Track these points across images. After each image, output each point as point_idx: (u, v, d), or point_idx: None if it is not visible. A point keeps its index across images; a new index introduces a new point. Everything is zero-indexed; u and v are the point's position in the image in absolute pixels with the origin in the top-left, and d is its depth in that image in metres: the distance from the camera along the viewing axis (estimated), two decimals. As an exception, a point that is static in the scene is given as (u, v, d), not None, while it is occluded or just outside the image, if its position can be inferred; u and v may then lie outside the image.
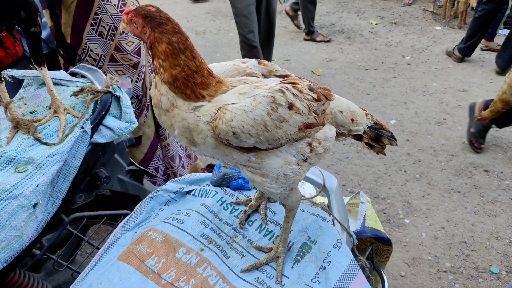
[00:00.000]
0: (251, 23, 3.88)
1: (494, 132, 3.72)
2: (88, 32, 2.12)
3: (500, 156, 3.42)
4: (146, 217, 1.44)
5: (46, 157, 1.41)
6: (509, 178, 3.17)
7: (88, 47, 2.15)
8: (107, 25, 2.10)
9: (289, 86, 1.01)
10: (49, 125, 1.56)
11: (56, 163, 1.42)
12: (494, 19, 4.94)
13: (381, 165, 3.42)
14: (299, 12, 6.08)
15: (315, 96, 1.05)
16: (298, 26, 6.31)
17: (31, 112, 1.64)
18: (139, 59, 2.22)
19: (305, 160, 1.06)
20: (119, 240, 1.36)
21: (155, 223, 1.37)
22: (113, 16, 2.06)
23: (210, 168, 2.87)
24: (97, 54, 2.17)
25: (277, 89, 0.99)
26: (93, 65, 2.16)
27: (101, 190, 1.78)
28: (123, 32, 2.12)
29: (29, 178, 1.36)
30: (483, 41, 5.24)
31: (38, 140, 1.47)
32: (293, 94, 1.00)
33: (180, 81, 0.97)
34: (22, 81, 1.82)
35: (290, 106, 0.99)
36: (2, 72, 1.59)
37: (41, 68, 1.60)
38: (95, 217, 1.73)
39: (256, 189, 1.36)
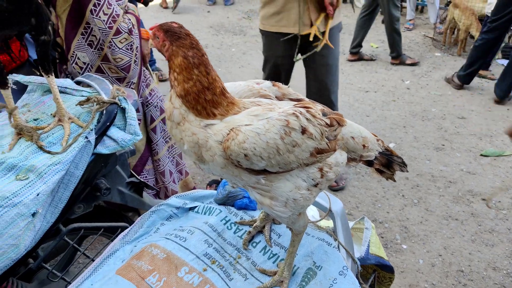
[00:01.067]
0: (276, 76, 3.34)
1: (492, 161, 3.74)
2: (78, 40, 2.12)
3: (498, 185, 3.43)
4: (146, 231, 1.42)
5: (48, 166, 1.39)
6: (506, 208, 3.17)
7: (76, 55, 2.15)
8: (98, 36, 2.10)
9: (303, 110, 1.00)
10: (52, 134, 1.54)
11: (58, 172, 1.40)
12: (494, 48, 5.02)
13: (379, 188, 3.41)
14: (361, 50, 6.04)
15: (328, 121, 1.04)
16: (371, 59, 6.10)
17: (35, 119, 1.62)
18: (126, 75, 2.22)
19: (315, 185, 1.05)
20: (117, 253, 1.33)
21: (156, 238, 1.34)
22: (101, 31, 2.07)
23: (211, 185, 2.85)
24: (84, 63, 2.17)
25: (291, 113, 0.98)
26: (79, 73, 2.16)
27: (100, 201, 1.75)
28: (110, 46, 2.11)
29: (30, 186, 1.34)
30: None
31: (41, 148, 1.45)
32: (307, 119, 0.99)
33: (191, 95, 0.97)
34: (25, 86, 1.80)
35: (303, 131, 0.98)
36: (7, 77, 1.58)
37: (48, 76, 1.59)
38: (92, 228, 1.70)
39: (261, 209, 1.35)
